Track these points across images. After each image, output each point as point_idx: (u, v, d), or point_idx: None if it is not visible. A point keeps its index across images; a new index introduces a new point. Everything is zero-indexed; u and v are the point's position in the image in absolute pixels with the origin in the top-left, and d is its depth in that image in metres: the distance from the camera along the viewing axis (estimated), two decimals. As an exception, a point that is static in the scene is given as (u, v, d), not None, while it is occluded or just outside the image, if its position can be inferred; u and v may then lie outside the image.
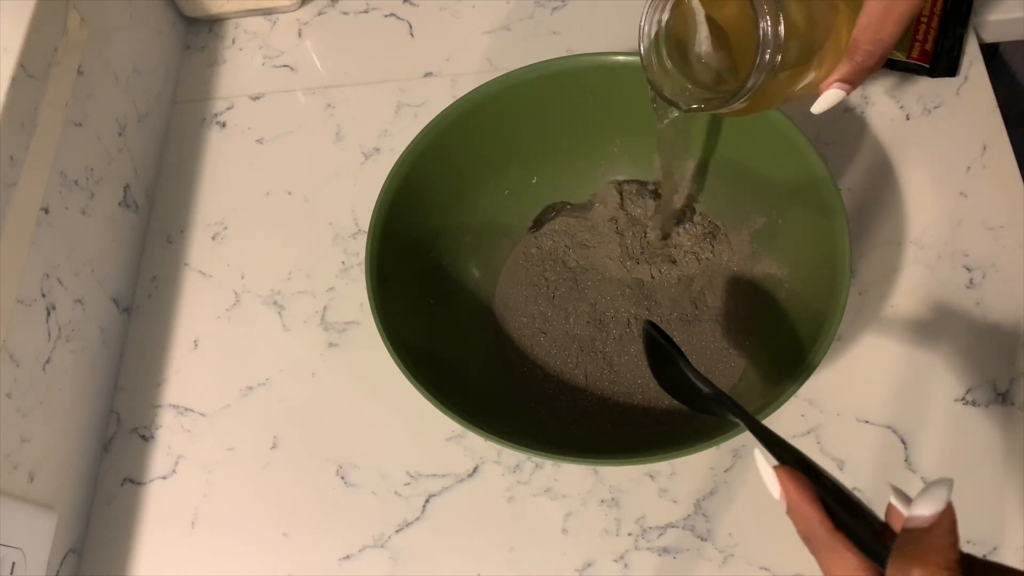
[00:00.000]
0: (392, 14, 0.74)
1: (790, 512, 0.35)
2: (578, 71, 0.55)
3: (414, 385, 0.46)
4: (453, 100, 0.55)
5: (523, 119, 0.57)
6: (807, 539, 0.34)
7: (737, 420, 0.40)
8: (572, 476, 0.54)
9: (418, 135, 0.54)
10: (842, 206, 0.48)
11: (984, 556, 0.49)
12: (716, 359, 0.54)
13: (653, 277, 0.57)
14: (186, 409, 0.60)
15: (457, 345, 0.56)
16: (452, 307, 0.57)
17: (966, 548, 0.36)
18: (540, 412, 0.54)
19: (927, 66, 0.64)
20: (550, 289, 0.58)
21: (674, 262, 0.58)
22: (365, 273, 0.50)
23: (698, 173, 0.58)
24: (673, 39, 0.45)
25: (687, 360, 0.44)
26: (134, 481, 0.58)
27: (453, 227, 0.58)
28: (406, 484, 0.56)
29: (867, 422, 0.54)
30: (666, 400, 0.53)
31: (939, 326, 0.56)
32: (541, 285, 0.58)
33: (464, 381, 0.53)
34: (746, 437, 0.43)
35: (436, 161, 0.54)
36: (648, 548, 0.53)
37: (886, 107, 0.64)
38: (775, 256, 0.55)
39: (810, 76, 0.44)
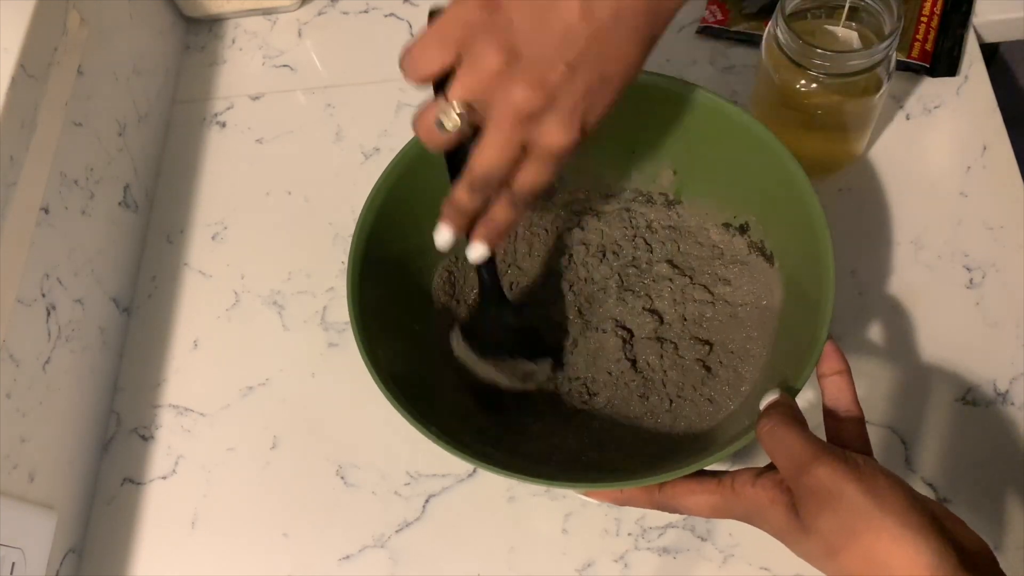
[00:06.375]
0: (392, 14, 0.74)
1: (624, 505, 0.45)
2: None
3: (405, 417, 0.45)
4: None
5: None
6: (655, 507, 0.44)
7: None
8: (572, 476, 0.54)
9: (395, 157, 0.52)
10: (823, 216, 0.47)
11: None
12: (727, 369, 0.53)
13: (646, 284, 0.57)
14: (186, 409, 0.60)
15: (444, 367, 0.54)
16: (436, 327, 0.56)
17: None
18: (532, 431, 0.53)
19: (927, 66, 0.64)
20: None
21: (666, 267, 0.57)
22: (348, 298, 0.49)
23: (678, 180, 0.57)
24: None
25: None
26: (134, 481, 0.58)
27: (433, 246, 0.56)
28: (406, 484, 0.56)
29: (867, 422, 0.54)
30: (656, 417, 0.52)
31: (939, 326, 0.56)
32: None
33: (452, 405, 0.52)
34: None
35: (416, 182, 0.53)
36: (648, 548, 0.53)
37: (886, 107, 0.64)
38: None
39: None
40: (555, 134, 0.39)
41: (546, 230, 0.58)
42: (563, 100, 0.38)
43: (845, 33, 0.56)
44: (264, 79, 0.72)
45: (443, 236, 0.44)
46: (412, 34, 0.73)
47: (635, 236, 0.58)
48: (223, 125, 0.71)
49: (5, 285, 0.49)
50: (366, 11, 0.74)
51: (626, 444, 0.51)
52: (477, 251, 0.44)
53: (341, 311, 0.62)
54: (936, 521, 0.35)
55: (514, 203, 0.42)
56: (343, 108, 0.70)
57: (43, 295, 0.53)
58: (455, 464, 0.56)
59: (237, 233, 0.66)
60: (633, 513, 0.53)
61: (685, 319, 0.55)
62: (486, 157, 0.40)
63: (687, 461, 0.43)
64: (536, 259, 0.58)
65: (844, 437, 0.41)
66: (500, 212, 0.43)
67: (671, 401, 0.52)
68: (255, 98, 0.72)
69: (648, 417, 0.52)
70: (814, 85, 0.55)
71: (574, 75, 0.37)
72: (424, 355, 0.54)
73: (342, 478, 0.56)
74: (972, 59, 0.65)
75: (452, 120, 0.39)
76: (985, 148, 0.62)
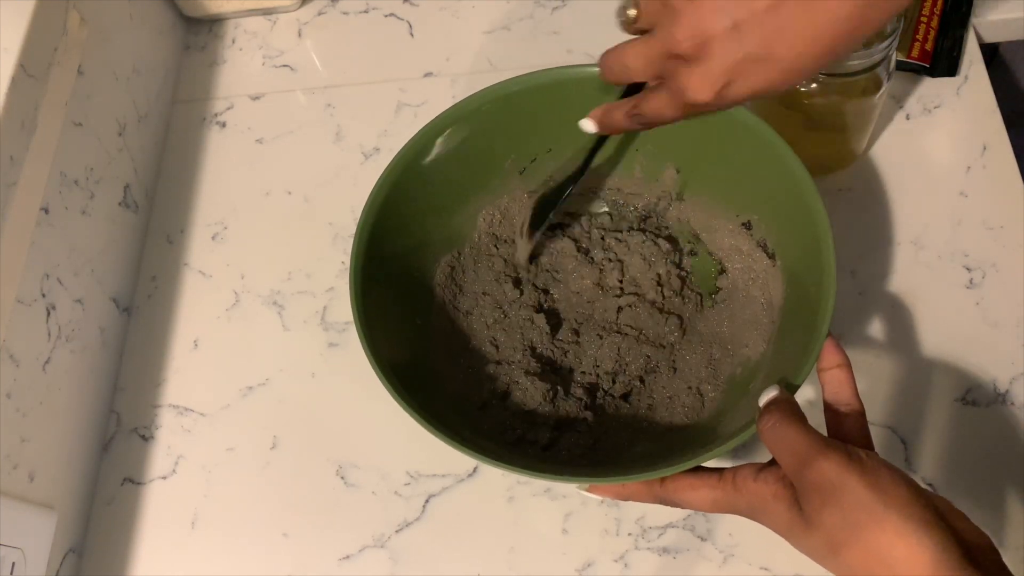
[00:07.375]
0: (392, 14, 0.74)
1: (626, 500, 0.45)
2: (562, 83, 0.53)
3: (406, 409, 0.46)
4: (453, 100, 0.54)
5: (500, 134, 0.55)
6: (657, 501, 0.44)
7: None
8: (572, 476, 0.54)
9: (396, 156, 0.52)
10: (824, 215, 0.47)
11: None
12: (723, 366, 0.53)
13: (639, 285, 0.57)
14: (186, 409, 0.60)
15: (445, 362, 0.55)
16: (437, 322, 0.56)
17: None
18: (529, 427, 0.53)
19: (927, 66, 0.64)
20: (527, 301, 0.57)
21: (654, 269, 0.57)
22: (350, 293, 0.49)
23: (682, 178, 0.57)
24: None
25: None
26: (134, 481, 0.58)
27: (434, 241, 0.57)
28: (406, 484, 0.56)
29: (868, 422, 0.54)
30: (659, 409, 0.52)
31: (939, 326, 0.57)
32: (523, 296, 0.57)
33: (453, 400, 0.52)
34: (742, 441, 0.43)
35: (417, 180, 0.53)
36: (648, 548, 0.53)
37: (886, 107, 0.64)
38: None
39: None
40: (693, 84, 0.38)
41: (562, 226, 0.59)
42: (716, 58, 0.37)
43: None
44: (264, 79, 0.72)
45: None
46: (412, 34, 0.73)
47: (640, 234, 0.58)
48: (223, 125, 0.71)
49: (5, 285, 0.49)
50: (366, 11, 0.74)
51: (626, 441, 0.51)
52: (587, 125, 0.47)
53: (341, 311, 0.62)
54: (939, 515, 0.35)
55: (631, 116, 0.44)
56: (343, 108, 0.70)
57: (43, 295, 0.53)
58: (455, 464, 0.56)
59: (237, 233, 0.66)
60: (633, 513, 0.53)
61: (684, 317, 0.55)
62: (622, 55, 0.41)
63: (688, 457, 0.43)
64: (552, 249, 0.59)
65: (845, 431, 0.41)
66: (619, 113, 0.45)
67: (669, 400, 0.52)
68: (255, 98, 0.72)
69: (648, 415, 0.52)
70: (814, 85, 0.55)
71: (737, 37, 0.36)
72: (425, 350, 0.54)
73: (342, 478, 0.56)
74: (972, 59, 0.65)
75: (632, 10, 0.40)
76: (985, 148, 0.62)
